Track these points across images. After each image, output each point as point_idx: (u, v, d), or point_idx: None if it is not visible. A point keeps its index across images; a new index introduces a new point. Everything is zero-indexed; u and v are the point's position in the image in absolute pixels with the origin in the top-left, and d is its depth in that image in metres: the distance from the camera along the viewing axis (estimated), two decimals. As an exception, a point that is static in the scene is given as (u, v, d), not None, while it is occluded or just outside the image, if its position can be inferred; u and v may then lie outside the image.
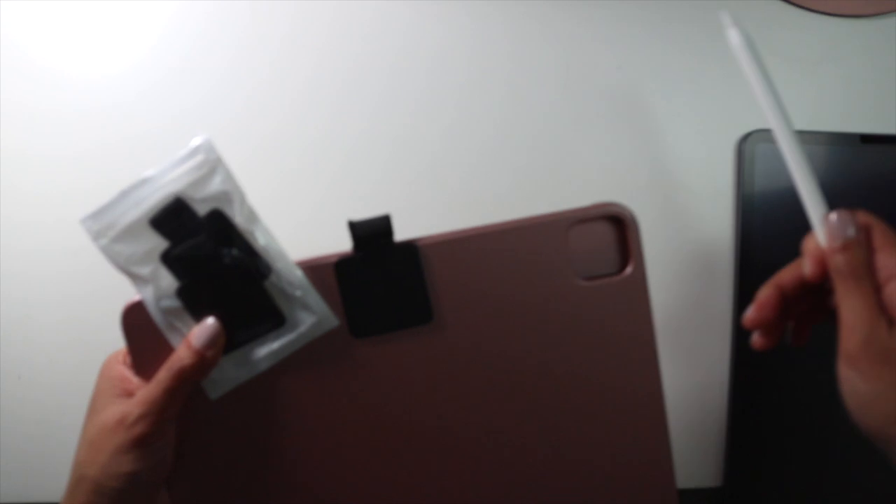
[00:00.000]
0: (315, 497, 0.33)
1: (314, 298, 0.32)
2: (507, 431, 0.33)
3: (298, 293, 0.31)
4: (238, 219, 0.31)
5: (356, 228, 0.31)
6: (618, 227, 0.33)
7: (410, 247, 0.32)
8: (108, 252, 0.30)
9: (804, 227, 0.44)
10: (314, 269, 0.31)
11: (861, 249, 0.29)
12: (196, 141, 0.30)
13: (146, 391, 0.31)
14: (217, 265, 0.31)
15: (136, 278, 0.31)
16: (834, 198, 0.44)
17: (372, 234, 0.31)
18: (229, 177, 0.30)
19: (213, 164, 0.30)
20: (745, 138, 0.45)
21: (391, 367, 0.33)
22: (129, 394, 0.32)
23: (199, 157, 0.30)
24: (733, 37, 0.31)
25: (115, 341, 0.43)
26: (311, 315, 0.32)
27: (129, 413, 0.30)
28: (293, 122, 0.45)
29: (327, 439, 0.33)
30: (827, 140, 0.44)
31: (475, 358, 0.33)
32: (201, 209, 0.30)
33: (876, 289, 0.29)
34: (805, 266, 0.31)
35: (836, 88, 0.46)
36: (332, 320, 0.32)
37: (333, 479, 0.33)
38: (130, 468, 0.30)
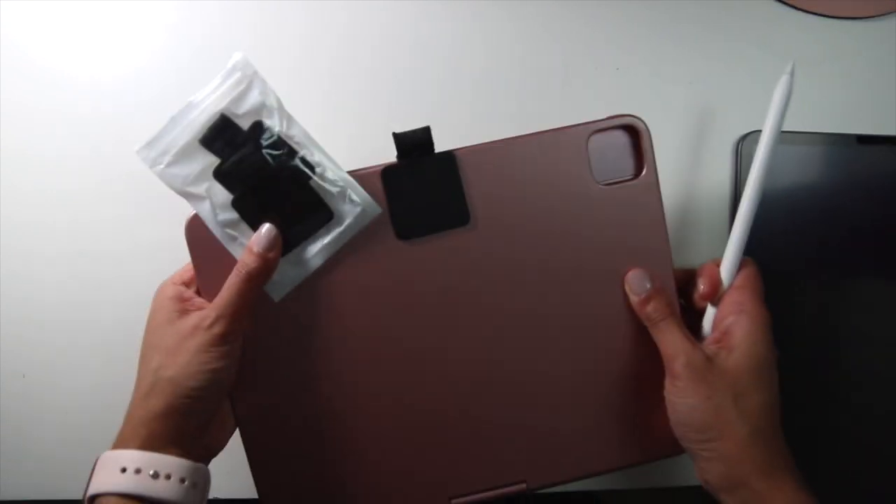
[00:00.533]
0: (366, 379, 0.37)
1: (357, 189, 0.34)
2: (532, 317, 0.37)
3: (342, 186, 0.34)
4: (278, 126, 0.33)
5: (400, 139, 0.34)
6: (633, 136, 0.37)
7: (449, 155, 0.35)
8: (164, 177, 0.33)
9: (799, 227, 0.45)
10: (362, 177, 0.34)
11: (662, 297, 0.36)
12: (233, 59, 0.32)
13: (219, 297, 0.33)
14: (264, 172, 0.33)
15: (192, 197, 0.33)
16: (831, 199, 0.44)
17: (414, 144, 0.34)
18: (265, 88, 0.33)
19: (250, 79, 0.33)
20: (743, 139, 0.45)
21: (433, 266, 0.36)
22: (188, 310, 0.34)
23: (237, 75, 0.32)
24: (783, 83, 0.36)
25: (117, 339, 0.45)
26: (356, 205, 0.34)
27: (206, 316, 0.33)
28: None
29: (376, 330, 0.36)
30: (824, 141, 0.44)
31: (506, 254, 0.36)
32: (245, 123, 0.33)
33: (681, 321, 0.36)
34: (700, 286, 0.37)
35: (834, 89, 0.46)
36: (374, 208, 0.35)
37: (382, 365, 0.37)
38: (211, 365, 0.33)
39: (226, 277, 0.34)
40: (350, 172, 0.34)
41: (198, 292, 0.36)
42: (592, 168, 0.36)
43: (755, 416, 0.34)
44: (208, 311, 0.33)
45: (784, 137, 0.44)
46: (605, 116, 0.36)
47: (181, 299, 0.35)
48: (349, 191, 0.34)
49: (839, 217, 0.44)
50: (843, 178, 0.44)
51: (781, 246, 0.44)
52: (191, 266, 0.36)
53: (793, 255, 0.44)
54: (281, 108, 0.33)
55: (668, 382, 0.35)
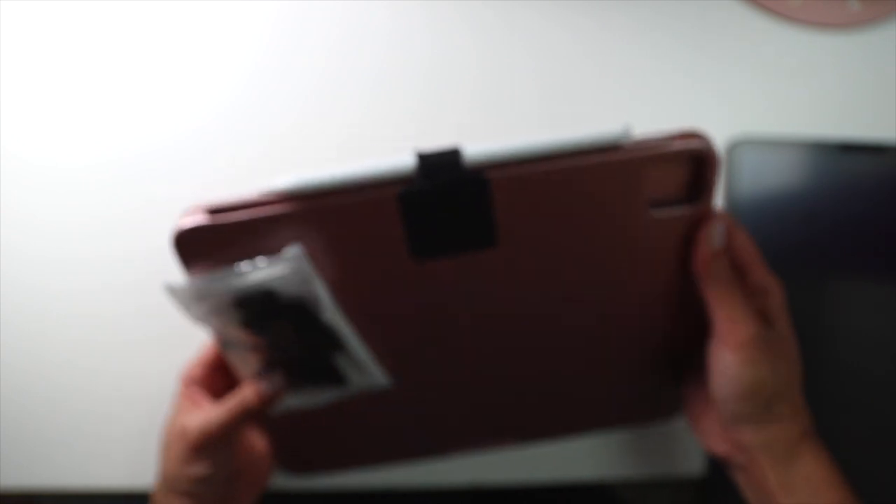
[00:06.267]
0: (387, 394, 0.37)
1: (374, 369, 0.36)
2: (545, 330, 0.37)
3: (363, 367, 0.36)
4: (318, 312, 0.33)
5: (425, 160, 0.30)
6: (696, 161, 0.31)
7: (480, 180, 0.30)
8: (198, 320, 0.33)
9: (782, 234, 0.47)
10: (376, 202, 0.30)
11: (728, 258, 0.34)
12: (289, 251, 0.31)
13: (212, 413, 0.35)
14: (294, 348, 0.35)
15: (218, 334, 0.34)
16: (814, 206, 0.46)
17: (441, 166, 0.30)
18: (313, 279, 0.32)
19: (299, 268, 0.31)
20: (733, 146, 0.47)
21: (449, 284, 0.34)
22: (193, 403, 0.37)
23: (290, 262, 0.31)
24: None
25: (115, 340, 0.45)
26: (368, 378, 0.36)
27: (190, 427, 0.35)
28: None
29: (388, 333, 0.36)
30: (807, 148, 0.47)
31: (533, 280, 0.34)
32: (285, 300, 0.32)
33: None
34: None
35: (817, 98, 0.48)
36: (385, 381, 0.37)
37: (394, 360, 0.37)
38: (192, 472, 0.35)
39: None
40: (364, 193, 0.30)
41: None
42: (644, 196, 0.32)
43: (798, 380, 0.35)
44: (195, 422, 0.35)
45: (769, 145, 0.46)
46: (662, 134, 0.31)
47: (191, 390, 0.37)
48: (367, 368, 0.36)
49: (822, 223, 0.46)
50: (826, 187, 0.46)
51: (771, 253, 0.46)
52: (204, 358, 0.38)
53: (776, 261, 0.46)
54: (323, 297, 0.33)
55: (727, 348, 0.33)
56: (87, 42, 0.47)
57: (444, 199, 0.30)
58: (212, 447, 0.35)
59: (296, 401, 0.37)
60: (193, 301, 0.32)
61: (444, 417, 0.40)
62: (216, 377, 0.38)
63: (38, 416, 0.45)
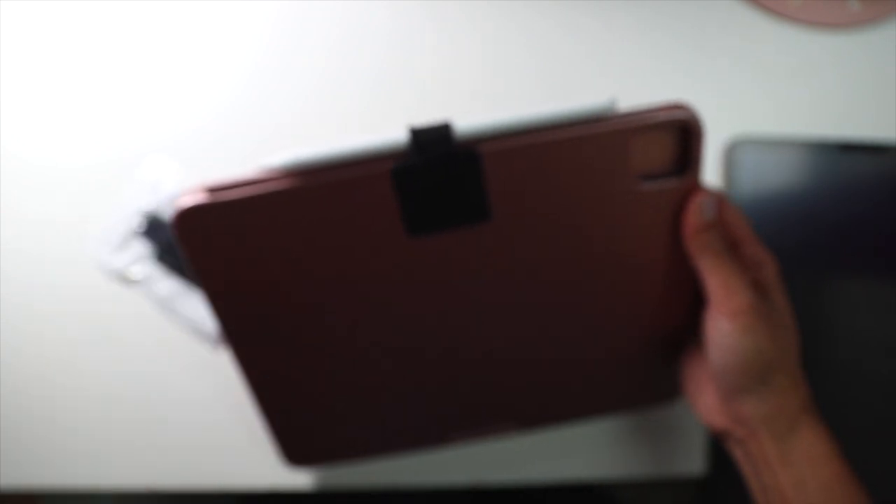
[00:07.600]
0: (370, 354, 0.37)
1: None
2: (539, 305, 0.36)
3: None
4: None
5: (417, 135, 0.30)
6: (682, 132, 0.32)
7: (471, 154, 0.31)
8: (107, 262, 0.43)
9: (790, 234, 0.47)
10: (368, 178, 0.31)
11: (721, 230, 0.34)
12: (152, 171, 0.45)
13: None
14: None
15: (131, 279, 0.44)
16: (814, 206, 0.46)
17: (433, 141, 0.30)
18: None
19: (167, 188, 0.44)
20: (733, 145, 0.47)
21: (444, 259, 0.34)
22: None
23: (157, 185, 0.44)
24: None
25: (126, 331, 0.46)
26: None
27: None
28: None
29: (381, 314, 0.35)
30: (807, 148, 0.47)
31: (527, 258, 0.34)
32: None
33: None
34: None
35: (816, 98, 0.48)
36: None
37: (388, 341, 0.36)
38: None
39: (230, 268, 0.33)
40: (358, 162, 0.31)
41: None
42: (632, 166, 0.32)
43: (796, 352, 0.35)
44: None
45: (769, 145, 0.46)
46: (650, 106, 0.31)
47: None
48: None
49: (822, 223, 0.46)
50: (825, 187, 0.46)
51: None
52: None
53: (782, 262, 0.46)
54: None
55: (721, 315, 0.33)
56: (87, 42, 0.47)
57: (436, 173, 0.31)
58: None
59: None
60: (111, 247, 0.44)
61: (441, 404, 0.40)
62: None
63: (38, 416, 0.46)
